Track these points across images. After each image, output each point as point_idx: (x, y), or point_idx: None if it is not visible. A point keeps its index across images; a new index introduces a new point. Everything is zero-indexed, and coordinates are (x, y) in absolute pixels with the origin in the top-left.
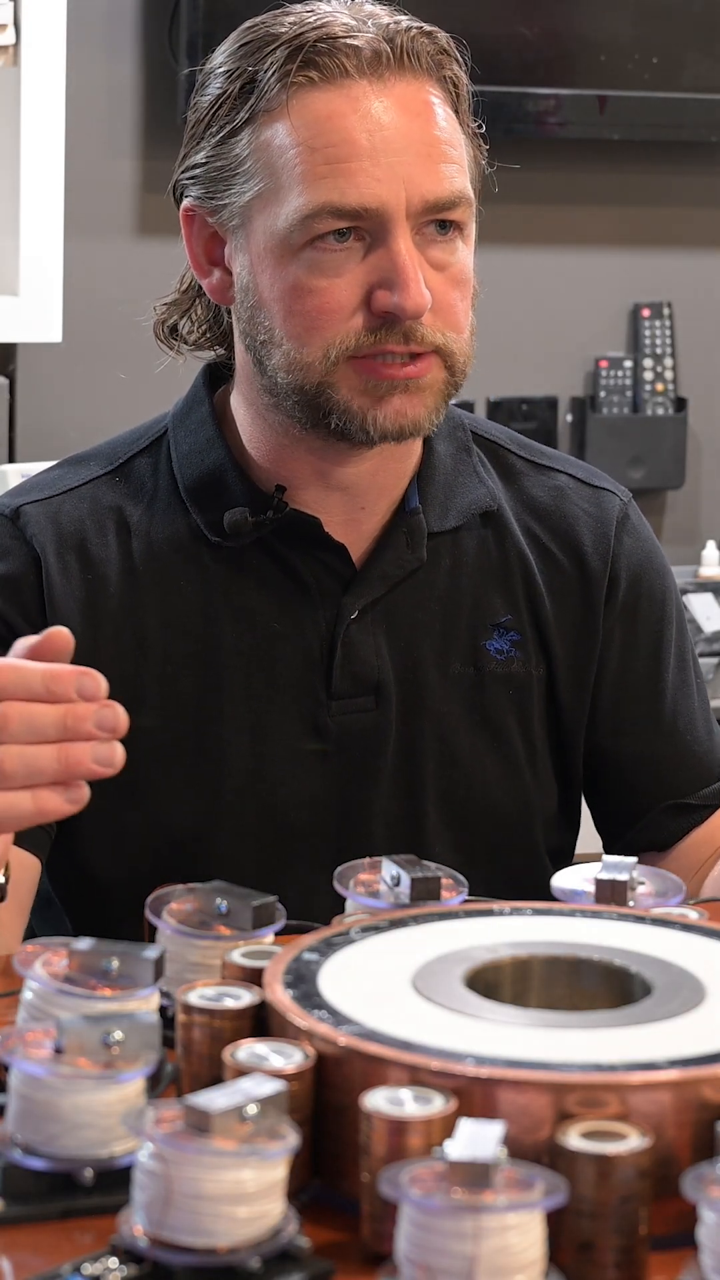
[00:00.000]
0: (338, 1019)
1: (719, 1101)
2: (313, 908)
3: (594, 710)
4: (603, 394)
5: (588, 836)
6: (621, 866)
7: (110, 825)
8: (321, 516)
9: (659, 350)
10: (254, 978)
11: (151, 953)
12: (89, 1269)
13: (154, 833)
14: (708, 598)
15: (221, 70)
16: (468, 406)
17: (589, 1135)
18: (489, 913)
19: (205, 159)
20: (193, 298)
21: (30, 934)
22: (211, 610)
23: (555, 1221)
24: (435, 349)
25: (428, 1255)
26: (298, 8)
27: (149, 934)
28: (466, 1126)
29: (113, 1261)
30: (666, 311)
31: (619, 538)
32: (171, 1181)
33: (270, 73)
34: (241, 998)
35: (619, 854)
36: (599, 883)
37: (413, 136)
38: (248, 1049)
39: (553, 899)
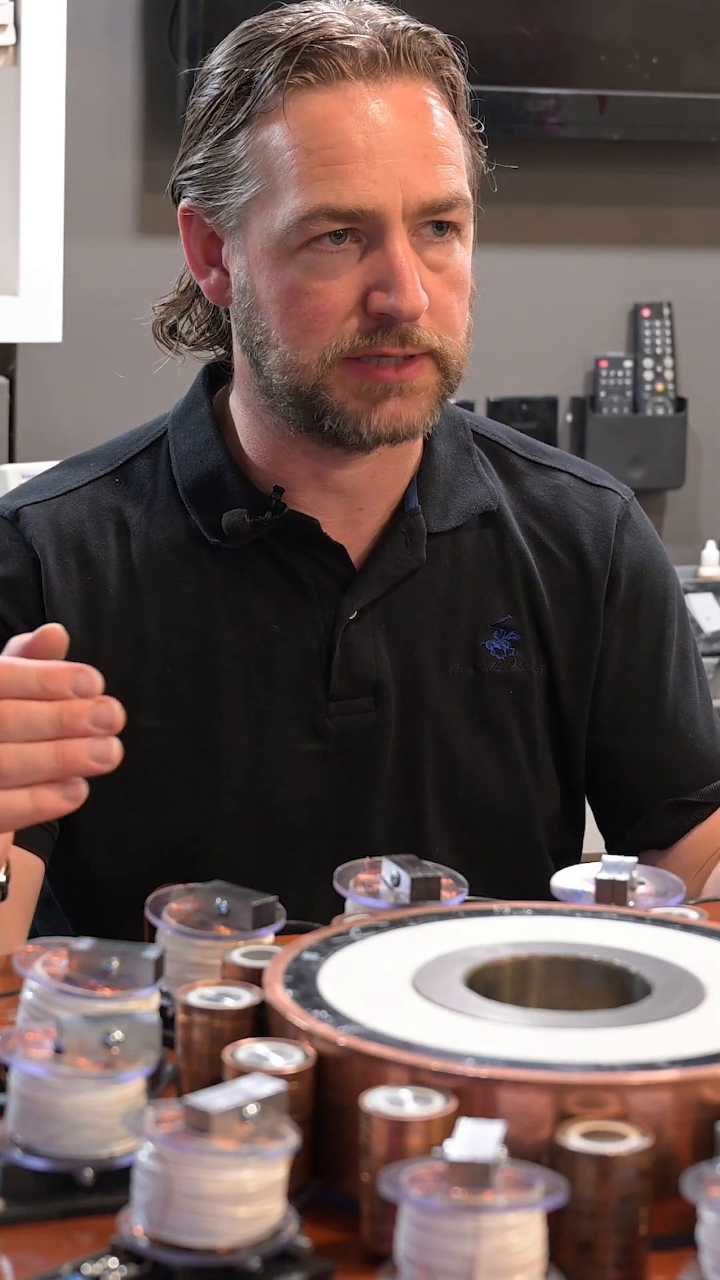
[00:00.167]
0: (338, 1019)
1: (719, 1101)
2: (313, 908)
3: (595, 709)
4: (603, 394)
5: (590, 836)
6: (621, 866)
7: (109, 825)
8: (320, 517)
9: (659, 350)
10: (254, 978)
11: (151, 953)
12: (89, 1269)
13: (153, 833)
14: (708, 598)
15: (219, 71)
16: (468, 406)
17: (589, 1135)
18: (489, 913)
19: (203, 160)
20: (191, 298)
21: (30, 934)
22: (210, 611)
23: (555, 1221)
24: (430, 351)
25: (428, 1255)
26: (295, 8)
27: (149, 934)
28: (466, 1126)
29: (113, 1261)
30: (666, 311)
31: (620, 536)
32: (171, 1181)
33: (267, 74)
34: (241, 998)
35: (620, 852)
36: (599, 883)
37: (409, 138)
38: (248, 1049)
39: (553, 899)
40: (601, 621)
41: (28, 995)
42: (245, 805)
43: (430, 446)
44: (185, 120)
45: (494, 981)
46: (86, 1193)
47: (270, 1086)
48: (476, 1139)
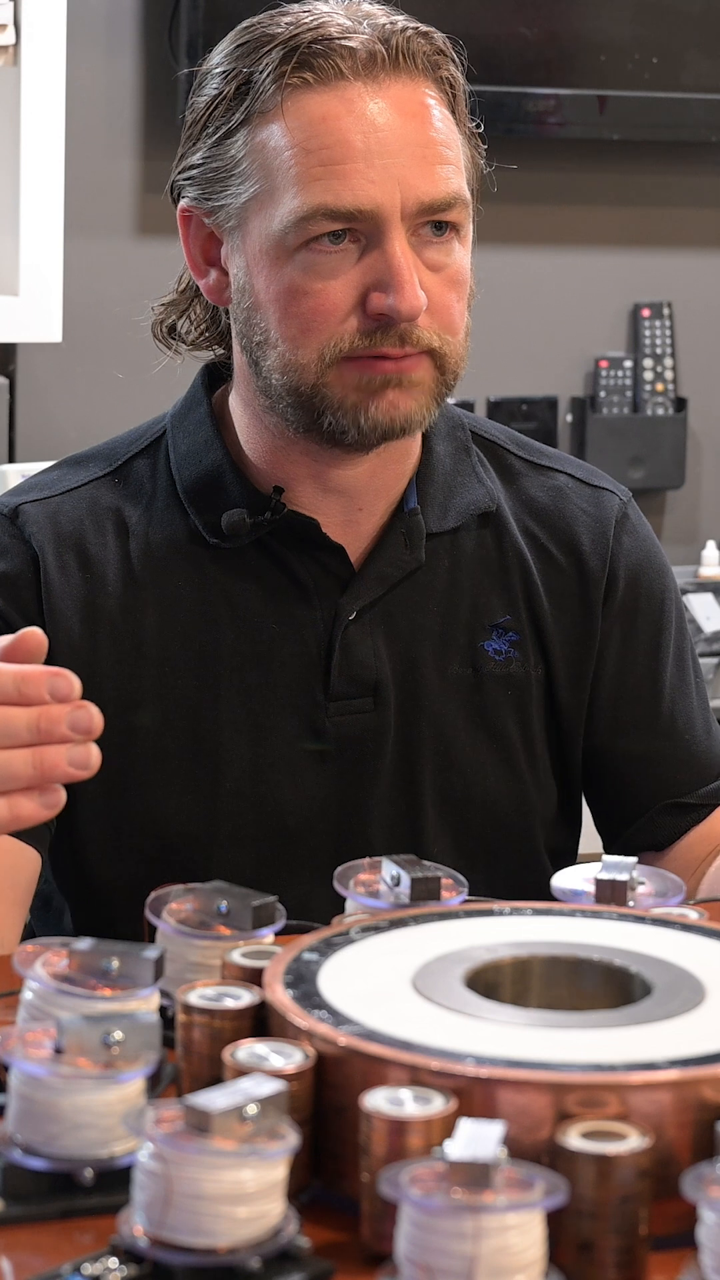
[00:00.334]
0: (338, 1019)
1: (719, 1101)
2: (312, 908)
3: (592, 710)
4: (603, 394)
5: (589, 836)
6: (621, 866)
7: (108, 825)
8: (319, 517)
9: (659, 350)
10: (254, 978)
11: (151, 953)
12: (89, 1269)
13: (152, 833)
14: (708, 598)
15: (218, 71)
16: (468, 406)
17: (589, 1135)
18: (489, 913)
19: (202, 160)
20: (191, 298)
21: (30, 934)
22: (209, 611)
23: (555, 1221)
24: (428, 350)
25: (428, 1255)
26: (294, 8)
27: (149, 934)
28: (466, 1126)
29: (113, 1261)
30: (666, 311)
31: (618, 537)
32: (171, 1181)
33: (265, 74)
34: (241, 998)
35: (617, 853)
36: (599, 883)
37: (408, 138)
38: (248, 1049)
39: (553, 899)
40: (599, 622)
41: (28, 995)
42: (244, 805)
43: (429, 447)
44: (184, 120)
45: (494, 981)
46: (86, 1193)
47: (270, 1086)
48: (476, 1139)
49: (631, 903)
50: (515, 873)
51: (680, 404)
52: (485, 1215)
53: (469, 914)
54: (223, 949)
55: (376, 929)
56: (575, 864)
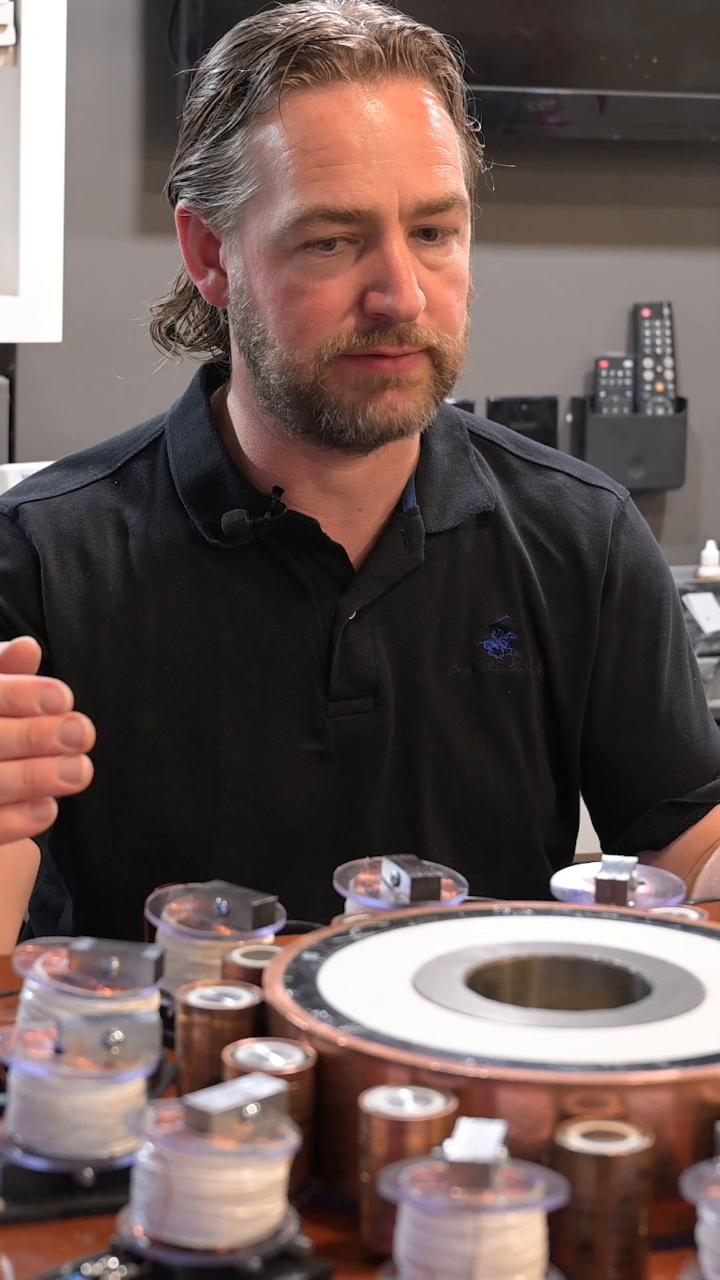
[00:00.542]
0: (338, 1019)
1: (719, 1101)
2: (312, 908)
3: (591, 709)
4: (603, 394)
5: (588, 836)
6: (621, 866)
7: (108, 825)
8: (319, 517)
9: (659, 350)
10: (254, 978)
11: (151, 953)
12: (89, 1269)
13: (152, 833)
14: (708, 598)
15: (215, 71)
16: (468, 406)
17: (589, 1135)
18: (489, 913)
19: (199, 160)
20: (189, 298)
21: (28, 935)
22: (209, 612)
23: (555, 1221)
24: (427, 349)
25: (428, 1255)
26: (291, 8)
27: (149, 934)
28: (466, 1126)
29: (113, 1261)
30: (666, 311)
31: (616, 537)
32: (171, 1181)
33: (263, 74)
34: (241, 998)
35: (616, 852)
36: (599, 883)
37: (405, 138)
38: (248, 1049)
39: (553, 899)
40: (598, 621)
41: (28, 995)
42: (244, 805)
43: (427, 446)
44: (182, 121)
45: (494, 981)
46: (86, 1193)
47: (270, 1086)
48: (476, 1139)
49: (631, 903)
50: (515, 873)
51: (680, 404)
52: (485, 1215)
53: (469, 914)
54: (223, 949)
55: (376, 929)
56: (573, 863)
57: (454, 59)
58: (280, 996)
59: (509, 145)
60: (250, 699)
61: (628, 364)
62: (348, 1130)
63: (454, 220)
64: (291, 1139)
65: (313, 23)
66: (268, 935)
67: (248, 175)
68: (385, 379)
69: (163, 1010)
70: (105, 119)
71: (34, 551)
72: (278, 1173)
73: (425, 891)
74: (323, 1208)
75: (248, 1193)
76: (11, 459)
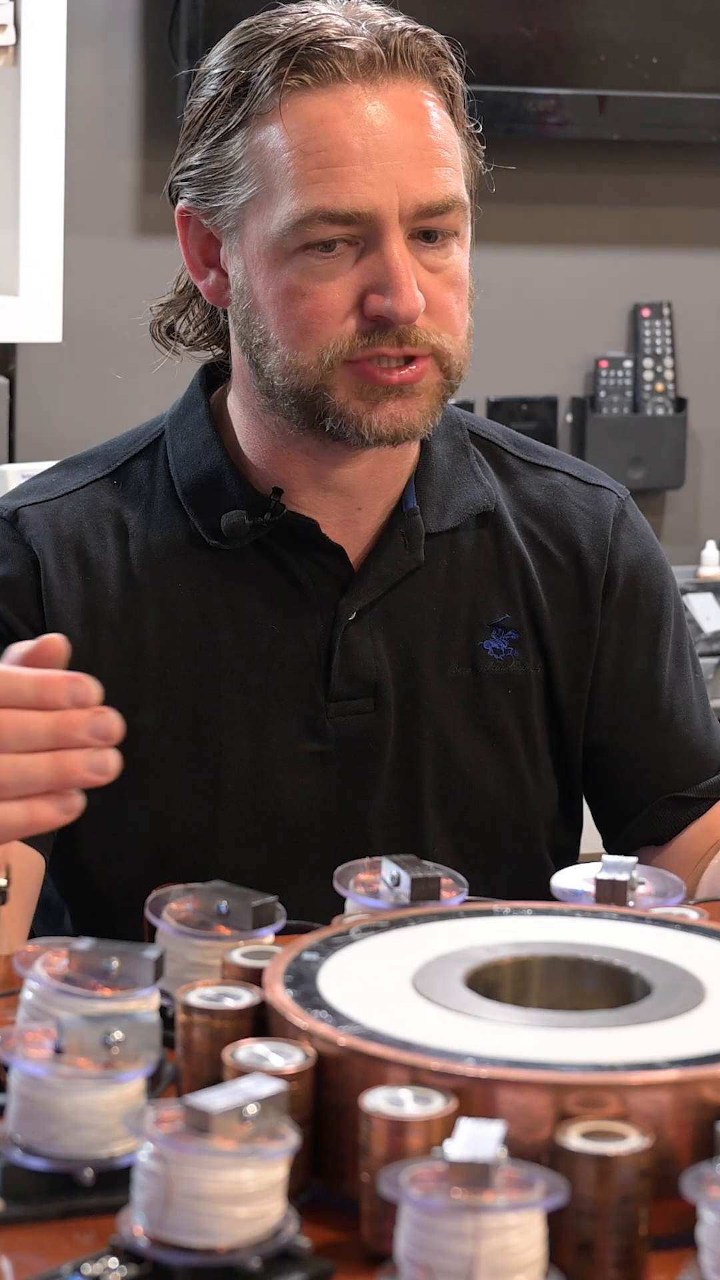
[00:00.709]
0: (338, 1019)
1: (719, 1101)
2: (313, 908)
3: (592, 707)
4: (603, 394)
5: (590, 836)
6: (621, 866)
7: (109, 826)
8: (319, 518)
9: (659, 350)
10: (254, 978)
11: (151, 953)
12: (89, 1269)
13: (153, 834)
14: (708, 598)
15: (216, 72)
16: (468, 406)
17: (589, 1135)
18: (489, 913)
19: (200, 161)
20: (189, 298)
21: (30, 934)
22: (209, 613)
23: (555, 1221)
24: (431, 351)
25: (428, 1255)
26: (293, 8)
27: (149, 934)
28: (466, 1126)
29: (113, 1261)
30: (666, 311)
31: (616, 535)
32: (171, 1181)
33: (263, 75)
34: (241, 998)
35: (618, 849)
36: (599, 883)
37: (406, 140)
38: (248, 1049)
39: (553, 899)
40: (598, 620)
41: (28, 995)
42: (244, 806)
43: (427, 446)
44: (183, 121)
45: (494, 981)
46: (86, 1193)
47: (270, 1086)
48: (476, 1139)
49: (631, 903)
50: (516, 873)
51: (680, 404)
52: (485, 1215)
53: (469, 914)
54: (223, 949)
55: (376, 929)
56: (577, 863)
57: (455, 60)
58: (280, 996)
59: (509, 145)
60: (250, 700)
61: (628, 364)
62: (348, 1130)
63: (454, 222)
64: (291, 1139)
65: (314, 24)
66: (268, 935)
67: (248, 176)
68: (388, 390)
69: (163, 1010)
70: (105, 119)
71: (34, 556)
72: (278, 1173)
73: (425, 891)
74: (323, 1208)
75: (248, 1193)
76: (11, 459)
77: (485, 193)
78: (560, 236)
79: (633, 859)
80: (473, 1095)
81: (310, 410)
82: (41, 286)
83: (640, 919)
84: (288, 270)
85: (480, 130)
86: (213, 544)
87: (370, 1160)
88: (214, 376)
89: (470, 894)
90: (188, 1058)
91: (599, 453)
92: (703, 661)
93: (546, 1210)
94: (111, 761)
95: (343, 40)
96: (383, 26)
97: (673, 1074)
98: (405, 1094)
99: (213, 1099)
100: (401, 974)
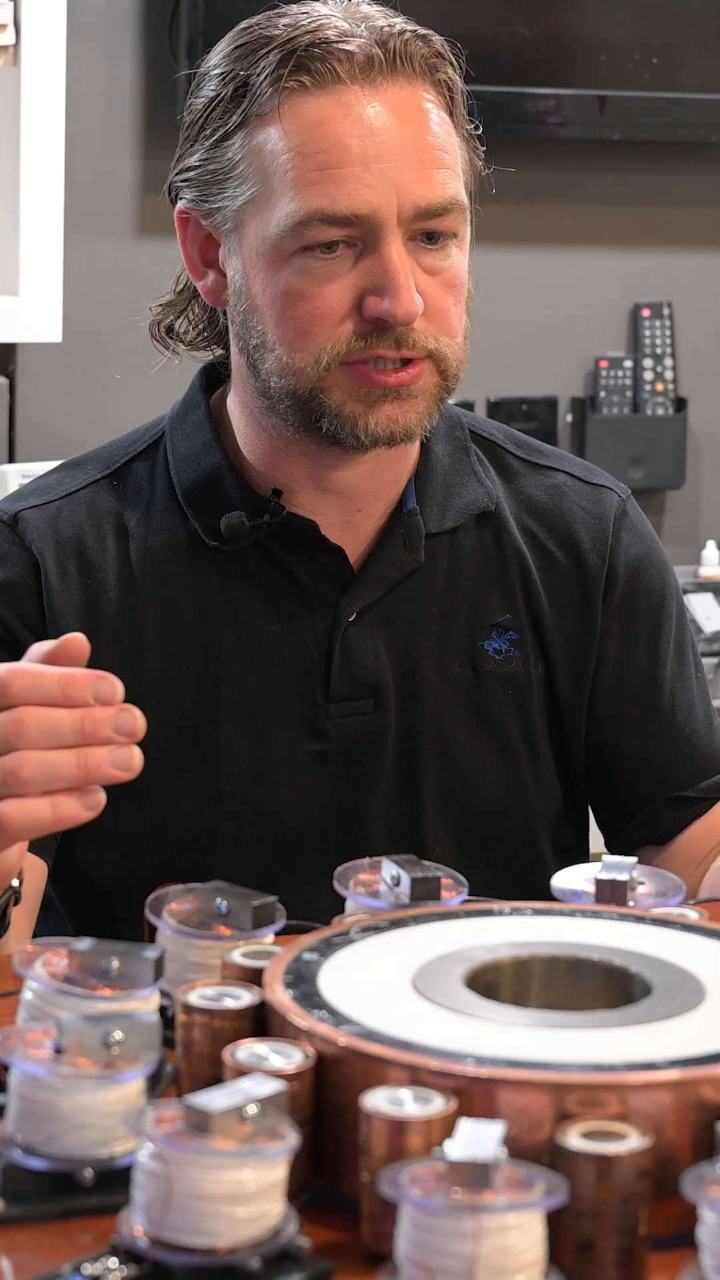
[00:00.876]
0: (338, 1019)
1: (719, 1101)
2: (313, 908)
3: (593, 707)
4: (603, 394)
5: (595, 834)
6: (621, 866)
7: (109, 827)
8: (318, 519)
9: (659, 350)
10: (254, 978)
11: (151, 953)
12: (89, 1269)
13: (153, 834)
14: (708, 598)
15: (216, 73)
16: (468, 406)
17: (589, 1135)
18: (489, 913)
19: (199, 162)
20: (188, 299)
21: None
22: (209, 614)
23: (555, 1221)
24: (428, 354)
25: (428, 1255)
26: (293, 9)
27: (149, 934)
28: (466, 1126)
29: (113, 1261)
30: (666, 311)
31: (617, 534)
32: (171, 1181)
33: (263, 77)
34: (241, 998)
35: (619, 849)
36: (599, 883)
37: (405, 142)
38: (248, 1049)
39: (553, 899)
40: (599, 619)
41: (28, 995)
42: (245, 807)
43: (428, 447)
44: (182, 121)
45: (494, 981)
46: (86, 1193)
47: (270, 1086)
48: (476, 1139)
49: (631, 903)
50: (517, 873)
51: (680, 404)
52: (485, 1215)
53: (469, 914)
54: (223, 949)
55: (376, 929)
56: (585, 861)
57: (455, 62)
58: (280, 996)
59: (509, 145)
60: (250, 701)
61: (628, 364)
62: (348, 1130)
63: (453, 224)
64: (291, 1139)
65: (313, 25)
66: (268, 935)
67: (247, 177)
68: (384, 392)
69: (163, 1010)
70: (105, 119)
71: (34, 559)
72: (278, 1173)
73: (425, 891)
74: (323, 1208)
75: (248, 1193)
76: (11, 459)
77: (485, 193)
78: (560, 236)
79: (633, 859)
80: (473, 1095)
81: (307, 412)
82: (41, 286)
83: (640, 919)
84: (286, 272)
85: (480, 132)
86: (213, 545)
87: (370, 1160)
88: (214, 377)
89: (470, 894)
90: (188, 1058)
91: (599, 453)
92: (703, 662)
93: (546, 1210)
94: (136, 758)
95: (342, 42)
96: (382, 28)
97: (673, 1074)
98: (405, 1094)
99: (213, 1099)
100: (401, 974)
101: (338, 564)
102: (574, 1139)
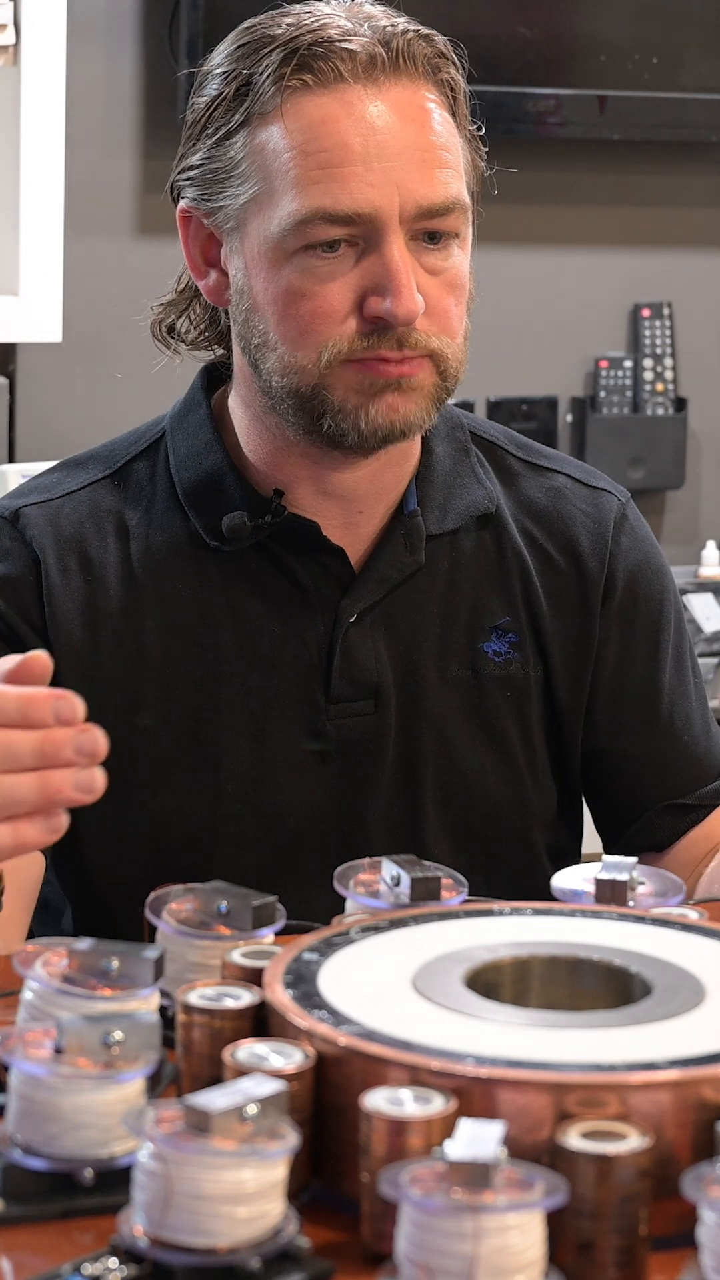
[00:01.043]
0: (338, 1019)
1: (719, 1101)
2: (313, 908)
3: (591, 711)
4: (603, 394)
5: (591, 837)
6: (621, 866)
7: (109, 827)
8: (319, 520)
9: (659, 350)
10: (254, 978)
11: (151, 953)
12: (89, 1269)
13: (153, 834)
14: (708, 598)
15: (218, 71)
16: (468, 406)
17: (589, 1135)
18: (489, 913)
19: (201, 160)
20: (190, 298)
21: (29, 934)
22: (210, 614)
23: (555, 1221)
24: (429, 354)
25: (428, 1255)
26: (296, 9)
27: (149, 934)
28: (466, 1126)
29: (113, 1261)
30: (666, 311)
31: (616, 538)
32: (171, 1181)
33: (265, 76)
34: (241, 998)
35: (618, 854)
36: (599, 883)
37: (407, 141)
38: (248, 1049)
39: (553, 899)
40: (598, 624)
41: (28, 995)
42: (245, 808)
43: (428, 448)
44: (184, 120)
45: (494, 981)
46: (86, 1193)
47: (270, 1086)
48: (476, 1139)
49: (631, 903)
50: (516, 874)
51: (680, 404)
52: (485, 1215)
53: (469, 914)
54: (223, 949)
55: (376, 929)
56: (578, 864)
57: (457, 62)
58: (280, 996)
59: (509, 145)
60: (251, 701)
61: (628, 364)
62: (348, 1130)
63: (455, 224)
64: (291, 1139)
65: (316, 24)
66: (268, 935)
67: (249, 176)
68: (386, 383)
69: (163, 1010)
70: (105, 119)
71: (35, 556)
72: (278, 1173)
73: (425, 891)
74: (323, 1208)
75: (248, 1193)
76: (11, 459)
77: (487, 193)
78: (560, 236)
79: (632, 859)
80: (473, 1095)
81: (308, 410)
82: (41, 286)
83: (640, 919)
84: (288, 271)
85: (482, 132)
86: (213, 545)
87: (370, 1160)
88: (215, 377)
89: (470, 894)
90: (188, 1058)
91: (599, 453)
92: (703, 662)
93: (546, 1210)
94: (98, 780)
95: (345, 41)
96: (385, 27)
97: (673, 1074)
98: (405, 1094)
99: (213, 1099)
100: (401, 974)
101: (339, 565)
102: (574, 1139)
